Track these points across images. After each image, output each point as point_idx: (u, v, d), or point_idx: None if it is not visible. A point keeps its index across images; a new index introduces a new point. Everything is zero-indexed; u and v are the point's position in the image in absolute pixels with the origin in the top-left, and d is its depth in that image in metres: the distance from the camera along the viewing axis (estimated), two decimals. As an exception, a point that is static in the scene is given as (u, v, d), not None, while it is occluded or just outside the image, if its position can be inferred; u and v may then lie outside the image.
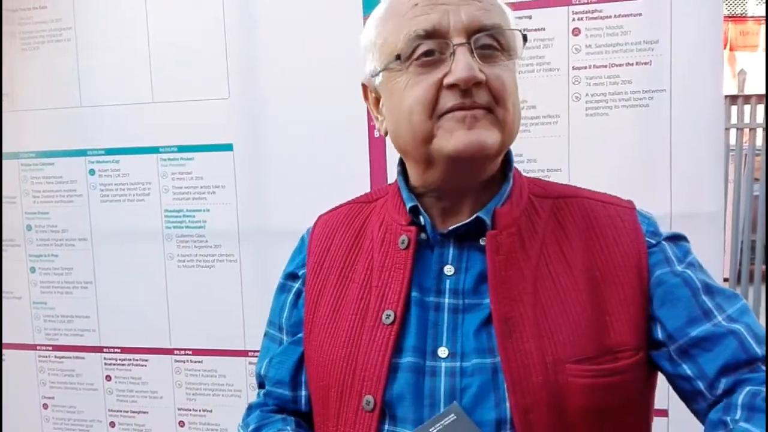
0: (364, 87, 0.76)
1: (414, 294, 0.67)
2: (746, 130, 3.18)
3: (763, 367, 0.60)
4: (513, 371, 0.61)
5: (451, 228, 0.68)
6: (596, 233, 0.68)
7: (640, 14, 1.17)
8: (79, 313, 1.50)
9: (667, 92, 1.18)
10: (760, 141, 3.15)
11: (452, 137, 0.63)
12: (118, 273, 1.47)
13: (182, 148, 1.41)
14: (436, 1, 0.64)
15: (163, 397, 1.48)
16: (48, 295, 1.51)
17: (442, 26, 0.63)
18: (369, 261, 0.72)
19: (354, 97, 1.29)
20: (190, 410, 1.47)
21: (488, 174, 0.69)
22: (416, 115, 0.64)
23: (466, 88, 0.62)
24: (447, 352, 0.65)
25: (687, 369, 0.63)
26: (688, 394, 0.64)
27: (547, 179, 1.23)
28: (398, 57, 0.65)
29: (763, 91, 3.16)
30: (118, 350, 1.49)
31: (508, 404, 0.61)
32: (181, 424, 1.47)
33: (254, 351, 1.41)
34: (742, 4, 6.59)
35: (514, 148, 0.74)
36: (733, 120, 3.19)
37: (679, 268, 0.66)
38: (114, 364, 1.49)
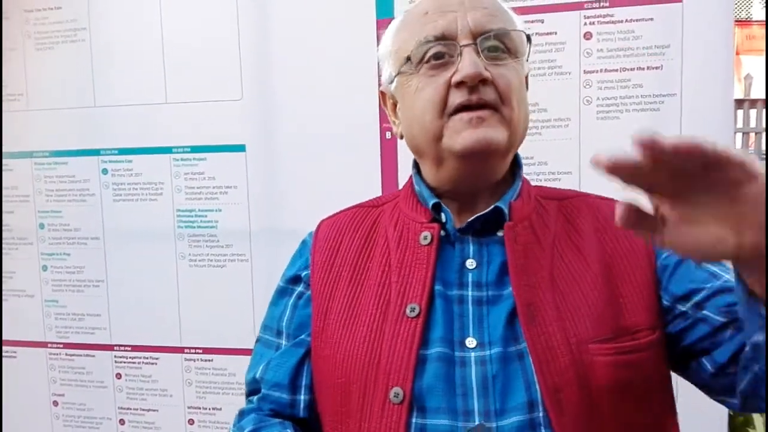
0: (383, 94, 0.79)
1: (437, 287, 0.69)
2: (752, 134, 3.20)
3: None
4: (539, 354, 0.63)
5: (470, 219, 0.70)
6: (603, 225, 0.72)
7: (652, 19, 1.18)
8: (91, 311, 1.51)
9: (677, 96, 1.19)
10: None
11: (459, 136, 0.67)
12: (129, 272, 1.48)
13: (195, 149, 1.42)
14: (445, 9, 0.69)
15: (173, 395, 1.49)
16: (59, 293, 1.53)
17: (450, 31, 0.68)
18: (386, 259, 0.72)
19: (366, 99, 1.32)
20: (199, 408, 1.48)
21: (498, 174, 0.72)
22: (427, 114, 0.68)
23: (473, 86, 0.66)
24: (475, 342, 0.66)
25: (708, 312, 0.64)
26: (707, 344, 0.64)
27: (557, 182, 1.24)
28: (409, 59, 0.70)
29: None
30: (129, 348, 1.50)
31: (537, 386, 0.63)
32: (191, 422, 1.48)
33: (264, 350, 1.42)
34: (747, 9, 6.60)
35: (525, 150, 0.76)
36: (739, 124, 3.20)
37: None
38: (124, 362, 1.50)
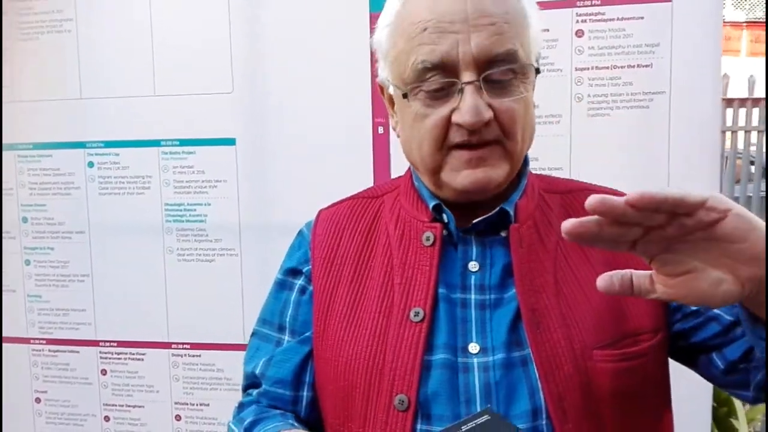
0: (380, 87, 0.76)
1: (441, 290, 0.67)
2: (728, 133, 3.27)
3: None
4: (544, 361, 0.63)
5: (475, 221, 0.68)
6: None
7: (642, 17, 1.20)
8: (75, 306, 1.48)
9: (666, 94, 1.21)
10: (741, 143, 3.23)
11: (459, 175, 0.65)
12: (115, 266, 1.46)
13: (184, 142, 1.40)
14: (446, 29, 0.62)
15: (160, 391, 1.47)
16: (43, 288, 1.49)
17: (450, 58, 0.62)
18: (388, 257, 0.71)
19: (359, 94, 1.32)
20: (187, 404, 1.46)
21: (499, 191, 0.69)
22: (426, 147, 0.66)
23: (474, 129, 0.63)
24: (478, 348, 0.65)
25: (719, 311, 0.65)
26: (718, 341, 0.65)
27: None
28: (405, 96, 0.66)
29: (744, 95, 3.26)
30: (115, 344, 1.47)
31: (541, 394, 0.62)
32: (178, 418, 1.47)
33: (253, 345, 1.41)
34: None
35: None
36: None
37: None
38: (110, 358, 1.48)
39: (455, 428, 0.57)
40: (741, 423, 1.86)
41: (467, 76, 0.62)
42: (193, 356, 1.44)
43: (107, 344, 1.48)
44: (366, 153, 1.33)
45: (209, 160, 1.40)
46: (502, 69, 0.63)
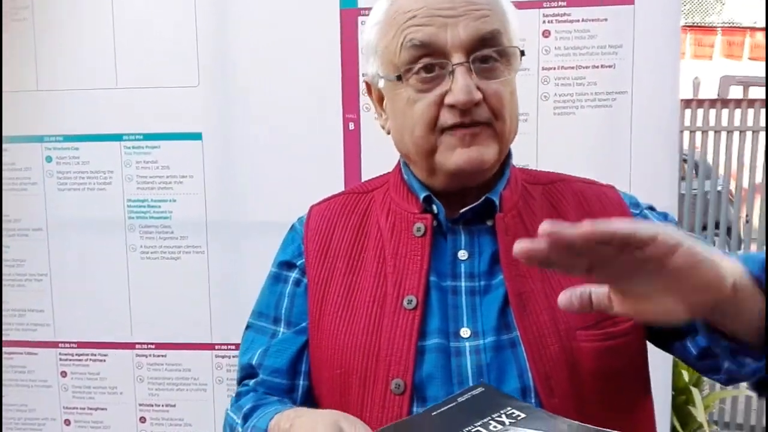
0: (368, 85, 0.78)
1: (432, 279, 0.70)
2: (698, 133, 3.45)
3: None
4: (531, 342, 0.66)
5: (463, 210, 0.72)
6: (587, 210, 0.74)
7: (606, 19, 1.24)
8: (32, 306, 1.43)
9: (628, 94, 1.25)
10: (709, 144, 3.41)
11: (452, 155, 0.68)
12: (75, 265, 1.41)
13: (148, 137, 1.37)
14: (434, 14, 0.66)
15: (123, 392, 1.43)
16: (-3, 288, 1.43)
17: (439, 40, 0.66)
18: (379, 249, 0.74)
19: (329, 89, 1.32)
20: (152, 405, 1.43)
21: (489, 176, 0.73)
22: (418, 131, 0.69)
23: (466, 109, 0.66)
24: (469, 332, 0.68)
25: None
26: (691, 327, 0.67)
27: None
28: (399, 78, 0.68)
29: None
30: (75, 345, 1.43)
31: (530, 373, 0.65)
32: (143, 420, 1.43)
33: (221, 344, 1.40)
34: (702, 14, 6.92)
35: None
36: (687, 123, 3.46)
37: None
38: (70, 360, 1.43)
39: (452, 400, 0.60)
40: (698, 410, 1.95)
41: (457, 57, 0.66)
42: (158, 356, 1.41)
43: (67, 345, 1.43)
44: (336, 149, 1.32)
45: (174, 155, 1.37)
46: (490, 50, 0.67)
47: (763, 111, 3.34)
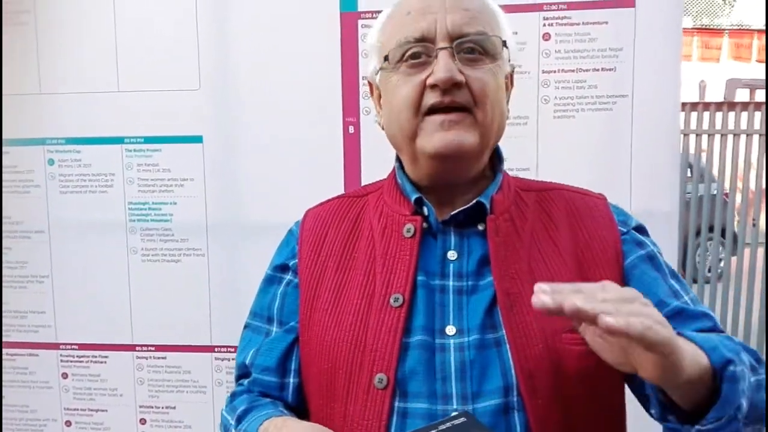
0: (370, 84, 0.81)
1: (420, 278, 0.72)
2: (700, 136, 3.42)
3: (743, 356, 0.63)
4: (517, 341, 0.67)
5: (453, 213, 0.73)
6: (578, 220, 0.76)
7: (607, 23, 1.23)
8: (34, 308, 1.44)
9: (629, 98, 1.25)
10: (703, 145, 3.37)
11: (432, 138, 0.70)
12: (77, 267, 1.41)
13: (149, 140, 1.37)
14: (427, 11, 0.71)
15: (124, 394, 1.44)
16: (-1, 289, 1.44)
17: (429, 32, 0.70)
18: (370, 249, 0.75)
19: (329, 92, 1.31)
20: (152, 407, 1.43)
21: (473, 172, 0.75)
22: (403, 112, 0.71)
23: (446, 88, 0.68)
24: (454, 330, 0.69)
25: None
26: None
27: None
28: (386, 58, 0.72)
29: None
30: (76, 347, 1.43)
31: (513, 372, 0.66)
32: (143, 421, 1.44)
33: (221, 346, 1.40)
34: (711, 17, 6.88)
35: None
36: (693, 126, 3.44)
37: (647, 254, 0.75)
38: (71, 361, 1.44)
39: (432, 427, 0.59)
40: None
41: (442, 44, 0.70)
42: (159, 358, 1.42)
43: (68, 347, 1.44)
44: (336, 152, 1.32)
45: (175, 158, 1.37)
46: (474, 36, 0.70)
47: (769, 114, 3.32)
